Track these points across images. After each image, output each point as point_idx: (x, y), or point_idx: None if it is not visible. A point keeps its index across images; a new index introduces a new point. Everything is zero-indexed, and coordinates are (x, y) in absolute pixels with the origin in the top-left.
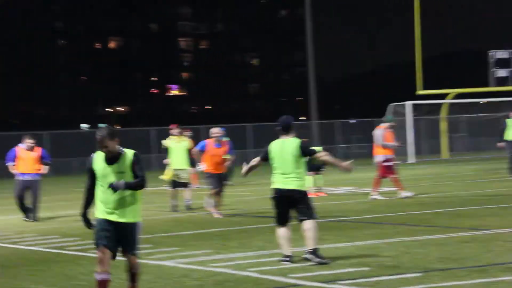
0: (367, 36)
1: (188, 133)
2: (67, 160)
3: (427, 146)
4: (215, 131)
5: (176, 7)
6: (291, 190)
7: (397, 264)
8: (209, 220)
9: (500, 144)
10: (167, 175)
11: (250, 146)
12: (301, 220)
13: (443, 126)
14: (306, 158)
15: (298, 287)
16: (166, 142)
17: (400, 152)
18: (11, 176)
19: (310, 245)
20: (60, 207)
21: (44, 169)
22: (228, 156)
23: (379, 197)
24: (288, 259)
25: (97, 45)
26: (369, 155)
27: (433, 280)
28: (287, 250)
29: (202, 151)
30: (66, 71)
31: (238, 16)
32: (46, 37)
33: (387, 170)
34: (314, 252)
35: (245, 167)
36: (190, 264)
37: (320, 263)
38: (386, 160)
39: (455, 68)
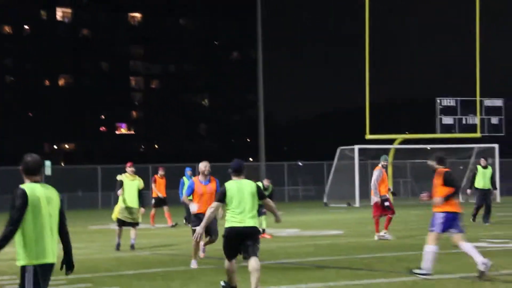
0: (318, 80)
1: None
2: (8, 198)
3: None
4: (203, 165)
5: (128, 46)
6: (248, 227)
7: None
8: (152, 260)
9: (469, 191)
10: (115, 213)
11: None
12: (249, 257)
13: (389, 171)
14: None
15: None
16: (121, 177)
17: (346, 196)
18: None
19: (255, 284)
20: None
21: None
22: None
23: (388, 237)
24: None
25: (46, 82)
26: (315, 197)
27: None
28: (235, 282)
29: (191, 193)
30: (13, 107)
31: (190, 56)
32: None
33: (383, 209)
34: None
35: (202, 225)
36: None
37: None
38: (384, 200)
39: (403, 114)
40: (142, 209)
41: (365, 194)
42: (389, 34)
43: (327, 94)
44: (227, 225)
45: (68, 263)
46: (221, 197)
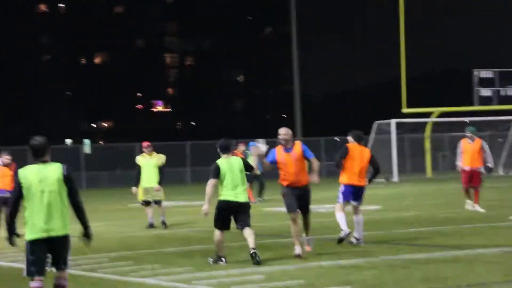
0: (353, 54)
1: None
2: None
3: (411, 164)
4: (283, 132)
5: (162, 23)
6: (241, 203)
7: (380, 283)
8: (192, 236)
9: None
10: (139, 195)
11: None
12: (243, 227)
13: (427, 144)
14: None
15: None
16: (138, 159)
17: (384, 170)
18: None
19: (254, 244)
20: None
21: None
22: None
23: (479, 209)
24: (224, 259)
25: (82, 60)
26: None
27: None
28: (223, 252)
29: (273, 162)
30: (50, 86)
31: (224, 33)
32: (31, 52)
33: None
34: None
35: (206, 202)
36: (172, 281)
37: (257, 263)
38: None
39: (439, 87)
40: (157, 186)
41: (402, 168)
42: (425, 4)
43: (362, 68)
44: (222, 198)
45: (84, 235)
46: (215, 174)
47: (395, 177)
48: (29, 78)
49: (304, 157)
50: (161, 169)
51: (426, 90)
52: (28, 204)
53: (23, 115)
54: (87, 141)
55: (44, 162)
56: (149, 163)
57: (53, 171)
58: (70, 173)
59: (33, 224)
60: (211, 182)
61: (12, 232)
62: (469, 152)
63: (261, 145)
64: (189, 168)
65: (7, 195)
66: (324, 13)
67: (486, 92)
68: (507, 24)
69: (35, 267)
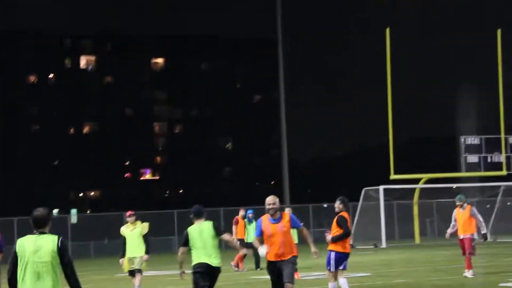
0: (340, 119)
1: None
2: None
3: (399, 230)
4: (270, 200)
5: (151, 91)
6: (214, 267)
7: None
8: None
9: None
10: (125, 266)
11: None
12: None
13: (415, 210)
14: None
15: None
16: (122, 230)
17: (373, 237)
18: None
19: None
20: None
21: None
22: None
23: (469, 275)
24: None
25: (71, 130)
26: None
27: None
28: None
29: (260, 235)
30: (38, 156)
31: (212, 100)
32: (20, 121)
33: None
34: None
35: (180, 268)
36: None
37: None
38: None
39: (427, 153)
40: (145, 256)
41: (391, 234)
42: (411, 71)
43: (350, 134)
44: (195, 261)
45: None
46: (185, 241)
47: (384, 243)
48: (17, 147)
49: (292, 227)
50: (146, 238)
51: (413, 156)
52: (21, 273)
53: (9, 185)
54: (74, 211)
55: (42, 233)
56: (133, 233)
57: (48, 242)
58: (64, 246)
59: None
60: (180, 249)
61: None
62: (460, 220)
63: (261, 249)
64: (177, 237)
65: None
66: (312, 78)
67: (473, 158)
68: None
69: None
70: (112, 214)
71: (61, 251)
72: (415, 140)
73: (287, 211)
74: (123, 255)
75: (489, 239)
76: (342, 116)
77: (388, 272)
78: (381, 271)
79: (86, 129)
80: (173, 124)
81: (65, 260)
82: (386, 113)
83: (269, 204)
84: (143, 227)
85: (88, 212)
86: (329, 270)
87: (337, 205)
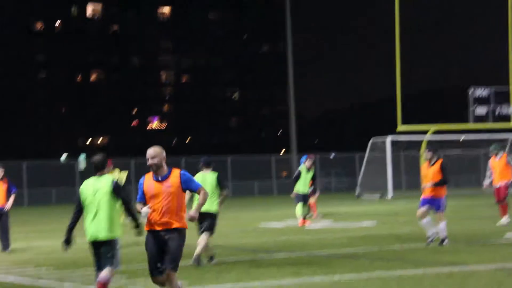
0: (349, 71)
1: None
2: (45, 191)
3: (406, 181)
4: (151, 153)
5: (157, 41)
6: (210, 213)
7: None
8: (186, 252)
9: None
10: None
11: (229, 177)
12: (204, 232)
13: (422, 161)
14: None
15: None
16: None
17: (379, 187)
18: None
19: (199, 251)
20: (35, 237)
21: (9, 203)
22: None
23: (505, 222)
24: (213, 258)
25: (78, 78)
26: (347, 189)
27: None
28: (210, 252)
29: (142, 199)
30: (46, 102)
31: (220, 50)
32: (26, 70)
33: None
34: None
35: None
36: None
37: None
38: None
39: (435, 105)
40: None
41: (397, 185)
42: (420, 22)
43: (358, 85)
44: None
45: (135, 227)
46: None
47: (390, 194)
48: (25, 95)
49: (184, 189)
50: (124, 187)
51: (421, 108)
52: (85, 212)
53: (19, 131)
54: (82, 157)
55: (101, 175)
56: None
57: (104, 184)
58: (118, 186)
59: (86, 230)
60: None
61: (68, 240)
62: (496, 168)
63: (145, 209)
64: None
65: (2, 211)
66: (320, 29)
67: (481, 110)
68: (503, 40)
69: (95, 265)
70: (120, 161)
71: (115, 191)
72: (423, 93)
73: (308, 163)
74: None
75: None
76: (350, 67)
77: (394, 222)
78: (387, 220)
79: (93, 77)
80: (180, 73)
81: (119, 198)
82: (394, 63)
83: (150, 158)
84: (120, 176)
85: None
86: (442, 211)
87: (427, 153)
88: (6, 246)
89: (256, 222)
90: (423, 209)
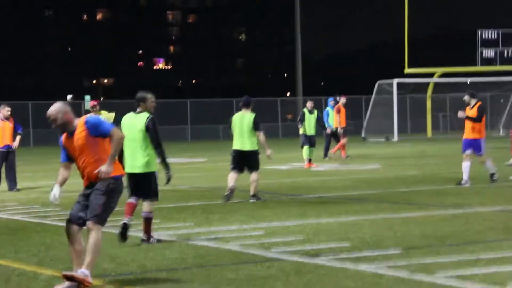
0: (355, 15)
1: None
2: (51, 131)
3: (412, 124)
4: (49, 114)
5: None
6: (246, 151)
7: (378, 241)
8: (192, 193)
9: None
10: None
11: None
12: (251, 172)
13: (429, 105)
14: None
15: (279, 261)
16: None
17: (385, 130)
18: None
19: (253, 191)
20: (41, 177)
21: (16, 143)
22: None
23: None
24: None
25: (85, 17)
26: (353, 132)
27: (413, 257)
28: (233, 184)
29: (66, 159)
30: (52, 42)
31: None
32: (33, 8)
33: None
34: (255, 196)
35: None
36: (172, 237)
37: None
38: None
39: (442, 48)
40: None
41: (403, 128)
42: None
43: (365, 28)
44: (233, 147)
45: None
46: (229, 125)
47: (396, 137)
48: (31, 35)
49: (95, 135)
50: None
51: (429, 51)
52: (123, 146)
53: (25, 72)
54: (87, 98)
55: (139, 112)
56: None
57: (139, 120)
58: (151, 123)
59: (125, 162)
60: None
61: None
62: None
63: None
64: (189, 125)
65: (10, 149)
66: None
67: (489, 52)
68: None
69: (129, 192)
70: (125, 101)
71: (147, 128)
72: (430, 35)
73: (309, 105)
74: None
75: (501, 133)
76: (358, 9)
77: (399, 165)
78: (392, 163)
79: (99, 16)
80: (186, 13)
81: (150, 135)
82: (403, 7)
83: (50, 121)
84: (108, 117)
85: (102, 99)
86: (482, 154)
87: (465, 97)
88: (13, 186)
89: (261, 164)
90: (467, 152)
